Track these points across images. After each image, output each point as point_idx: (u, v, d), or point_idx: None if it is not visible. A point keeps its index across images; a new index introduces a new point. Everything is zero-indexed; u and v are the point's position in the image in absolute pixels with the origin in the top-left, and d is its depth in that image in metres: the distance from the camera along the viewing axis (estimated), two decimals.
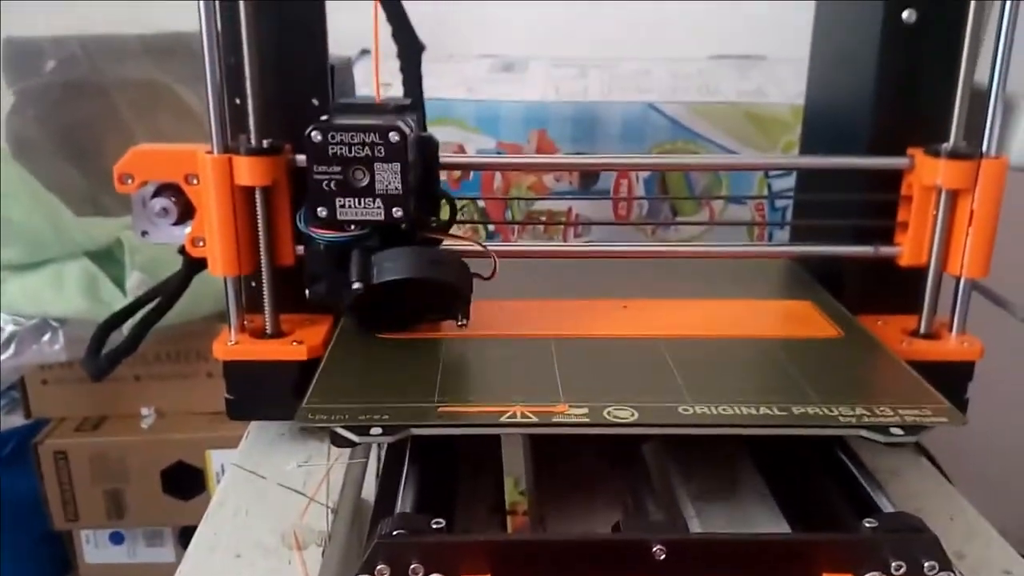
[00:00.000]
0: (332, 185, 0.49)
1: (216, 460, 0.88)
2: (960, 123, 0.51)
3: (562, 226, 0.88)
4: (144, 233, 0.54)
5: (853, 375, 0.49)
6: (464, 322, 0.52)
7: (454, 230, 0.57)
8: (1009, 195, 0.51)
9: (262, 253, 0.52)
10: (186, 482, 0.89)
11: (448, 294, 0.51)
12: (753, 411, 0.42)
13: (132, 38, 0.83)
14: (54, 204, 0.79)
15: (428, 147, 0.53)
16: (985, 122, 0.51)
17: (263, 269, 0.52)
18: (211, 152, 0.50)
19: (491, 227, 0.86)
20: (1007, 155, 0.52)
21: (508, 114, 0.85)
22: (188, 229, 0.53)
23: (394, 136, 0.49)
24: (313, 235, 0.51)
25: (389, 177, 0.49)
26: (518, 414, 0.42)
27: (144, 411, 0.90)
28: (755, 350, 0.51)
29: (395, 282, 0.50)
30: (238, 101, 0.51)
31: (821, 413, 0.42)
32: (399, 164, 0.49)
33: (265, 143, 0.50)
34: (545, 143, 0.85)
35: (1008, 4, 0.49)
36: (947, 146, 0.51)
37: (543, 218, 0.88)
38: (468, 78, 0.91)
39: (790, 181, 0.84)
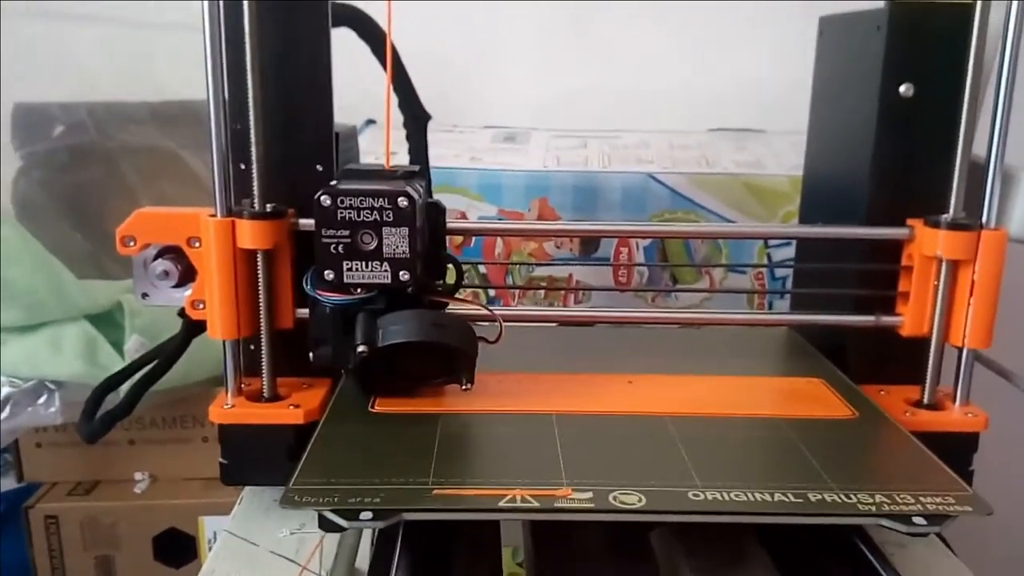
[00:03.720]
0: (340, 249, 0.49)
1: (209, 527, 0.87)
2: (959, 195, 0.52)
3: (562, 292, 0.88)
4: (145, 295, 0.54)
5: (870, 459, 0.48)
6: (468, 386, 0.51)
7: (460, 295, 0.57)
8: (1009, 266, 0.52)
9: (262, 316, 0.52)
10: (178, 549, 0.87)
11: (453, 357, 0.51)
12: (767, 497, 0.40)
13: (139, 105, 0.85)
14: (56, 266, 0.79)
15: (435, 213, 0.54)
16: (984, 194, 0.51)
17: (262, 332, 0.52)
18: (214, 215, 0.50)
19: (492, 292, 0.86)
20: (1007, 227, 0.52)
21: (510, 183, 0.86)
22: (188, 292, 0.53)
23: (403, 201, 0.49)
24: (319, 298, 0.51)
25: (397, 241, 0.50)
26: (518, 498, 0.40)
27: (138, 476, 0.89)
28: (766, 430, 0.49)
29: (400, 345, 0.49)
30: (243, 166, 0.52)
31: (839, 500, 0.40)
32: (407, 229, 0.49)
33: (268, 207, 0.50)
34: (546, 211, 0.86)
35: (1005, 77, 0.49)
36: (947, 217, 0.52)
37: (544, 284, 0.88)
38: (472, 148, 0.92)
39: (790, 251, 0.85)
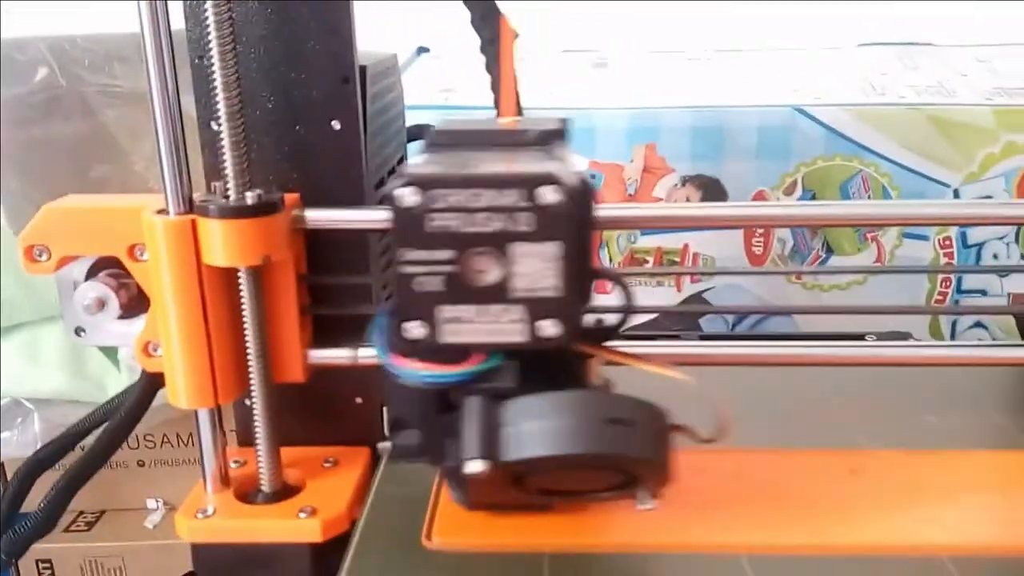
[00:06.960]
0: (436, 284, 0.29)
1: None
2: None
3: (675, 270, 0.68)
4: (79, 331, 0.35)
5: None
6: (650, 506, 0.31)
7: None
8: None
9: (252, 370, 0.33)
10: None
11: (633, 468, 0.31)
12: None
13: (124, 38, 0.65)
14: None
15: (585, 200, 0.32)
16: None
17: (257, 395, 0.33)
18: (164, 211, 0.31)
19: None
20: None
21: (605, 125, 0.65)
22: (140, 325, 0.34)
23: (550, 194, 0.28)
24: (399, 371, 0.31)
25: (538, 267, 0.29)
26: None
27: (151, 504, 0.72)
28: None
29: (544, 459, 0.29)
30: (215, 127, 0.32)
31: None
32: (558, 243, 0.28)
33: (251, 196, 0.31)
34: (654, 161, 0.65)
35: None
36: None
37: (648, 260, 0.67)
38: (550, 80, 0.71)
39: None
